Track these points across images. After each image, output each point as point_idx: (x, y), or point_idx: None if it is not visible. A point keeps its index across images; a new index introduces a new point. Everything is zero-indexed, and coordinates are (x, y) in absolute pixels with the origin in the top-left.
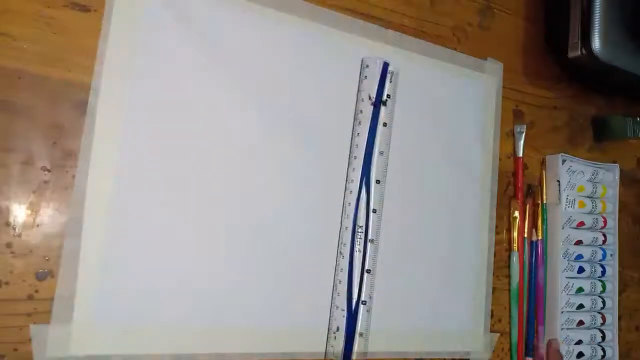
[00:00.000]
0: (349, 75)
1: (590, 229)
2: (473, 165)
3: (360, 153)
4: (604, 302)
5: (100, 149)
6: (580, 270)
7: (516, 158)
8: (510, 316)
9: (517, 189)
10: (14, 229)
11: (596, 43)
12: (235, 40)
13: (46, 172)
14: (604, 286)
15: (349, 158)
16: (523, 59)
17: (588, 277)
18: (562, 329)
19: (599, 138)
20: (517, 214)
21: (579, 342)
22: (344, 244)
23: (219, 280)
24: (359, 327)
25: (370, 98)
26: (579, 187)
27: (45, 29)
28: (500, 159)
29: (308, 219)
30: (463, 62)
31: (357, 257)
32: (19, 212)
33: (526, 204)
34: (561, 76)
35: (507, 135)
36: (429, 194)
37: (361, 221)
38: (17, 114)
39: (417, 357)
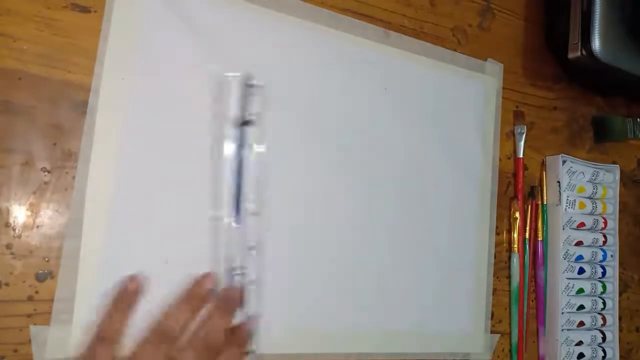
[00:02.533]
0: (349, 75)
1: (591, 229)
2: (473, 166)
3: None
4: (604, 303)
5: (100, 150)
6: (581, 271)
7: (516, 159)
8: (510, 317)
9: (518, 190)
10: (14, 230)
11: (596, 44)
12: (235, 41)
13: (46, 173)
14: (604, 287)
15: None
16: (523, 60)
17: (588, 278)
18: (562, 329)
19: (599, 139)
20: (517, 214)
21: (580, 343)
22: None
23: None
24: None
25: (229, 119)
26: (579, 188)
27: (45, 30)
28: (500, 160)
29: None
30: (463, 63)
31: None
32: (19, 213)
33: (526, 205)
34: (561, 77)
35: (507, 136)
36: (429, 195)
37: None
38: (17, 114)
39: (417, 357)
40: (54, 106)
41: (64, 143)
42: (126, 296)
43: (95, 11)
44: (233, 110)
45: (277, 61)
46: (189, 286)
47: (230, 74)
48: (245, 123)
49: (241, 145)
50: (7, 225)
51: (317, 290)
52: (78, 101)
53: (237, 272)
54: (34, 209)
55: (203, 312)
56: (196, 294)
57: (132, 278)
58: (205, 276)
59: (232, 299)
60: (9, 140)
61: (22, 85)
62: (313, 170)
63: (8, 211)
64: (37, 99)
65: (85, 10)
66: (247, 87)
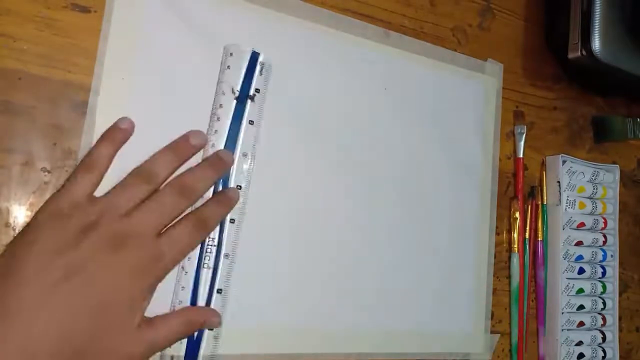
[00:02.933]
0: (349, 75)
1: (591, 229)
2: (473, 166)
3: None
4: (604, 303)
5: None
6: (581, 271)
7: (516, 159)
8: (510, 317)
9: (518, 190)
10: (14, 230)
11: (596, 44)
12: (235, 41)
13: (46, 173)
14: (604, 287)
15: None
16: (523, 60)
17: (588, 278)
18: (562, 329)
19: (599, 139)
20: (517, 215)
21: (580, 343)
22: (188, 257)
23: None
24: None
25: (233, 92)
26: (579, 188)
27: (45, 30)
28: (500, 160)
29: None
30: (463, 63)
31: (205, 273)
32: (19, 213)
33: (526, 205)
34: (561, 77)
35: (507, 136)
36: (429, 195)
37: (214, 233)
38: (17, 114)
39: (417, 357)
40: (54, 106)
41: (64, 143)
42: (115, 131)
43: (95, 11)
44: (237, 81)
45: (277, 61)
46: (176, 139)
47: (241, 47)
48: (248, 97)
49: (239, 115)
50: (7, 225)
51: (317, 291)
52: (78, 101)
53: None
54: (34, 209)
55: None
56: (182, 145)
57: (124, 118)
58: (193, 131)
59: (224, 158)
60: (9, 140)
61: (22, 85)
62: (313, 170)
63: (8, 211)
64: (37, 99)
65: (85, 10)
66: (254, 62)
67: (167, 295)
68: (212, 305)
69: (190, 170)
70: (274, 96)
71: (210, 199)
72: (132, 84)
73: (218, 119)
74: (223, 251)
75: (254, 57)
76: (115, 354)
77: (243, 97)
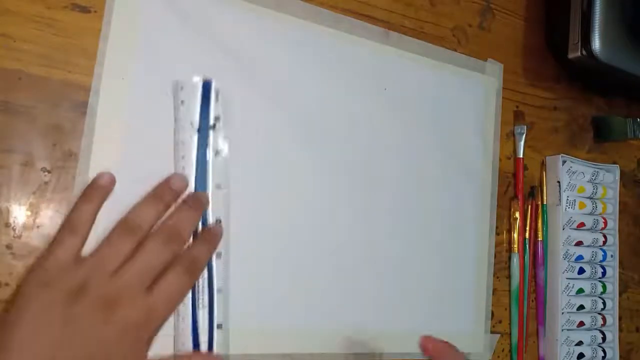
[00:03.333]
0: (349, 75)
1: (591, 230)
2: (473, 166)
3: (191, 190)
4: (604, 303)
5: (100, 150)
6: (581, 271)
7: (516, 159)
8: (510, 317)
9: (518, 190)
10: (14, 230)
11: (596, 44)
12: (235, 41)
13: (46, 173)
14: (604, 287)
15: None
16: (523, 60)
17: (588, 278)
18: (562, 329)
19: (599, 139)
20: (517, 215)
21: (580, 343)
22: (183, 303)
23: None
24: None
25: (192, 125)
26: (579, 188)
27: (45, 30)
28: (500, 160)
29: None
30: (463, 63)
31: (201, 313)
32: (19, 214)
33: (526, 205)
34: (561, 77)
35: (507, 136)
36: (428, 195)
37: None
38: (17, 115)
39: (417, 357)
40: (54, 106)
41: (64, 143)
42: (95, 189)
43: (95, 11)
44: (195, 115)
45: (276, 61)
46: (157, 185)
47: (191, 78)
48: (209, 128)
49: (203, 149)
50: (7, 225)
51: (317, 291)
52: (78, 101)
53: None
54: (34, 209)
55: (172, 209)
56: (165, 191)
57: (103, 173)
58: (174, 175)
59: (201, 198)
60: (9, 141)
61: (22, 85)
62: (312, 171)
63: (8, 211)
64: (37, 99)
65: (85, 10)
66: (207, 90)
67: (168, 339)
68: (215, 342)
69: (171, 215)
70: (274, 96)
71: (196, 240)
72: (132, 84)
73: (183, 157)
74: (215, 287)
75: (207, 86)
76: None
77: (204, 129)
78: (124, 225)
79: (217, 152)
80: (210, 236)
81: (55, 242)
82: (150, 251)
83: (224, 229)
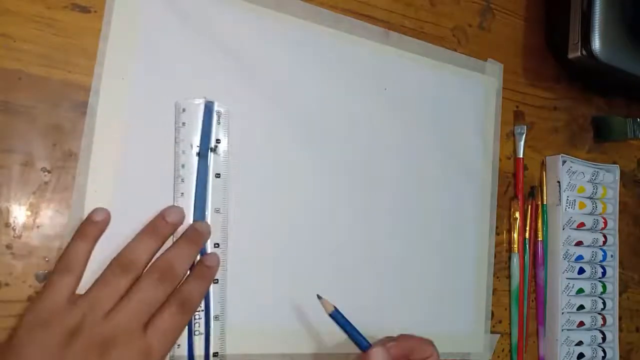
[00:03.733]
0: (349, 75)
1: (591, 230)
2: (473, 166)
3: (189, 215)
4: (604, 303)
5: (100, 150)
6: (581, 271)
7: (516, 159)
8: (510, 317)
9: (518, 190)
10: (14, 230)
11: (596, 44)
12: (235, 41)
13: (46, 173)
14: (604, 287)
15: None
16: (523, 60)
17: (588, 278)
18: (562, 329)
19: (599, 139)
20: (517, 215)
21: (580, 343)
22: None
23: None
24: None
25: (192, 148)
26: (579, 188)
27: (45, 30)
28: (500, 160)
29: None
30: (463, 63)
31: (197, 340)
32: (19, 213)
33: (526, 205)
34: (561, 77)
35: (507, 136)
36: (428, 195)
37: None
38: (17, 115)
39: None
40: (54, 106)
41: (64, 143)
42: (89, 227)
43: (95, 11)
44: (196, 137)
45: (276, 61)
46: (153, 219)
47: (193, 100)
48: (210, 150)
49: (204, 173)
50: (7, 225)
51: (317, 291)
52: (78, 101)
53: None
54: (34, 209)
55: (169, 245)
56: (160, 225)
57: (97, 209)
58: (170, 208)
59: (201, 230)
60: (9, 141)
61: (22, 85)
62: (312, 171)
63: (8, 211)
64: (37, 99)
65: (85, 10)
66: (209, 112)
67: None
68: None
69: (168, 251)
70: (274, 96)
71: (190, 275)
72: (132, 84)
73: (182, 180)
74: (212, 314)
75: (209, 107)
76: None
77: (205, 152)
78: (118, 263)
79: (217, 176)
80: (205, 271)
81: (50, 282)
82: (144, 289)
83: (222, 251)
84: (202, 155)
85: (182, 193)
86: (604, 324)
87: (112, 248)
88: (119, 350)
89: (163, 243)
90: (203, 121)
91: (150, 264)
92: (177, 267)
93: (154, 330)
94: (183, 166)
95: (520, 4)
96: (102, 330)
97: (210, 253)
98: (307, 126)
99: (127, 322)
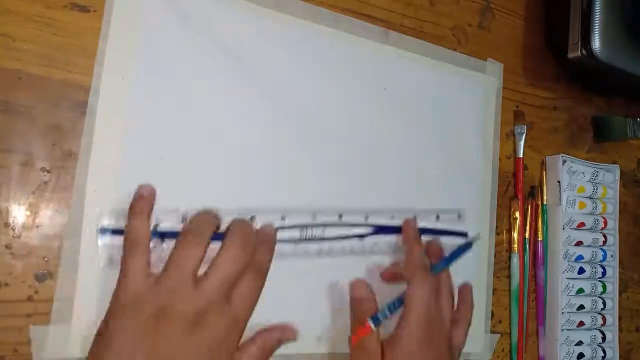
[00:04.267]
0: (349, 75)
1: (591, 230)
2: (473, 166)
3: None
4: (604, 303)
5: (100, 150)
6: (581, 271)
7: (516, 159)
8: (510, 317)
9: (518, 190)
10: (14, 230)
11: (596, 43)
12: (235, 41)
13: (46, 173)
14: (604, 287)
15: None
16: (523, 60)
17: (589, 278)
18: (562, 330)
19: (599, 139)
20: (517, 215)
21: (580, 344)
22: None
23: None
24: None
25: None
26: (580, 188)
27: (45, 30)
28: (500, 160)
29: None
30: (463, 62)
31: None
32: (19, 214)
33: (527, 205)
34: (561, 77)
35: (508, 136)
36: (428, 195)
37: None
38: (17, 115)
39: None
40: (54, 106)
41: (64, 143)
42: (141, 203)
43: (95, 11)
44: None
45: (276, 61)
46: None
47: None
48: None
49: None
50: (7, 225)
51: (317, 292)
52: (78, 101)
53: None
54: (33, 209)
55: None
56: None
57: (141, 186)
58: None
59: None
60: (9, 141)
61: (22, 85)
62: (313, 170)
63: (8, 211)
64: (37, 99)
65: (85, 10)
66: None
67: None
68: None
69: (235, 221)
70: (274, 96)
71: (256, 243)
72: (132, 84)
73: None
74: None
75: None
76: None
77: None
78: (191, 234)
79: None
80: (268, 238)
81: (124, 267)
82: (230, 260)
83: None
84: None
85: None
86: (604, 324)
87: (114, 246)
88: (210, 321)
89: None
90: None
91: (226, 234)
92: (250, 233)
93: (237, 299)
94: None
95: (520, 3)
96: (193, 306)
97: (265, 224)
98: (307, 126)
99: (213, 295)
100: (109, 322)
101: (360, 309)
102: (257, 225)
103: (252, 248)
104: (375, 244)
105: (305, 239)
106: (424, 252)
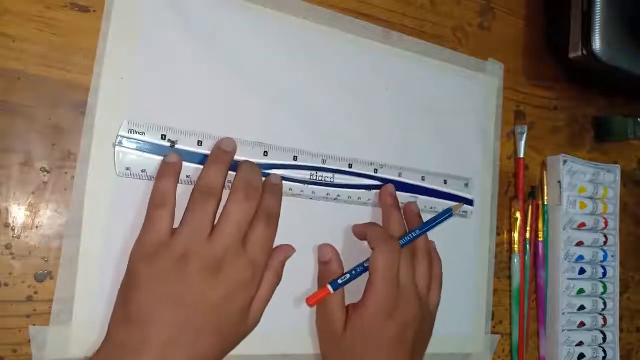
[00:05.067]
0: (350, 75)
1: (592, 230)
2: (474, 166)
3: None
4: (605, 304)
5: (99, 150)
6: (582, 271)
7: (517, 159)
8: (511, 318)
9: (518, 190)
10: (13, 230)
11: (597, 43)
12: (235, 41)
13: (45, 173)
14: (605, 287)
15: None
16: (524, 60)
17: (589, 279)
18: (563, 330)
19: (600, 139)
20: (518, 215)
21: (580, 344)
22: None
23: None
24: None
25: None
26: (580, 188)
27: (44, 30)
28: (501, 160)
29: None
30: (464, 62)
31: None
32: (18, 214)
33: (527, 205)
34: (562, 77)
35: (508, 136)
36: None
37: None
38: (17, 114)
39: None
40: (54, 106)
41: (63, 143)
42: (168, 167)
43: (94, 11)
44: None
45: (277, 61)
46: (213, 151)
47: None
48: None
49: None
50: (7, 225)
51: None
52: (77, 101)
53: None
54: (33, 209)
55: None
56: (222, 154)
57: (169, 154)
58: (223, 139)
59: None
60: (8, 141)
61: (22, 85)
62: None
63: (7, 211)
64: (36, 99)
65: (85, 10)
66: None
67: None
68: None
69: (240, 173)
70: (274, 96)
71: (264, 192)
72: (132, 84)
73: (188, 176)
74: None
75: None
76: (236, 342)
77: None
78: (200, 192)
79: None
80: (275, 188)
81: (149, 218)
82: (235, 210)
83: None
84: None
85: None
86: (604, 325)
87: (113, 246)
88: (229, 266)
89: (228, 168)
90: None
91: (232, 186)
92: (254, 183)
93: (252, 244)
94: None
95: (520, 3)
96: (210, 252)
97: (272, 174)
98: (305, 126)
99: (229, 241)
100: (133, 270)
101: (325, 271)
102: (270, 157)
103: (258, 194)
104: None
105: (315, 182)
106: (401, 219)
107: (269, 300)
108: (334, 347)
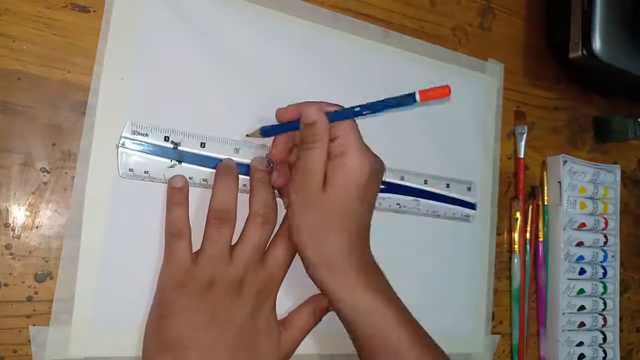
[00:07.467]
0: (349, 75)
1: (592, 230)
2: (474, 166)
3: None
4: (605, 304)
5: (100, 150)
6: (582, 271)
7: (517, 159)
8: (511, 318)
9: (518, 190)
10: (13, 230)
11: (597, 43)
12: (235, 41)
13: (45, 173)
14: (605, 287)
15: None
16: (524, 60)
17: (589, 279)
18: (563, 330)
19: (600, 139)
20: (518, 215)
21: (580, 344)
22: None
23: None
24: None
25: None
26: (580, 188)
27: (44, 30)
28: (501, 160)
29: None
30: (463, 62)
31: None
32: (18, 214)
33: (527, 205)
34: (562, 77)
35: (508, 136)
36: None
37: None
38: (17, 115)
39: None
40: (53, 106)
41: (63, 143)
42: (177, 194)
43: (94, 11)
44: None
45: (277, 61)
46: (218, 169)
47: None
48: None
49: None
50: (7, 225)
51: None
52: (77, 101)
53: None
54: (33, 210)
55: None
56: (228, 171)
57: (173, 178)
58: (224, 161)
59: (264, 168)
60: (8, 141)
61: (22, 85)
62: None
63: (7, 211)
64: (36, 99)
65: (84, 10)
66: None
67: None
68: None
69: (257, 196)
70: (274, 96)
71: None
72: (132, 84)
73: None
74: None
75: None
76: (273, 355)
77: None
78: (216, 217)
79: None
80: (265, 177)
81: (169, 249)
82: (254, 235)
83: None
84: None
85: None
86: (604, 325)
87: (113, 246)
88: (250, 282)
89: (237, 181)
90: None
91: (250, 211)
92: (271, 205)
93: (270, 261)
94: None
95: (520, 3)
96: (232, 274)
97: (256, 158)
98: None
99: (248, 262)
100: (164, 299)
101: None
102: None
103: (275, 216)
104: (382, 198)
105: None
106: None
107: (303, 335)
108: (312, 209)
